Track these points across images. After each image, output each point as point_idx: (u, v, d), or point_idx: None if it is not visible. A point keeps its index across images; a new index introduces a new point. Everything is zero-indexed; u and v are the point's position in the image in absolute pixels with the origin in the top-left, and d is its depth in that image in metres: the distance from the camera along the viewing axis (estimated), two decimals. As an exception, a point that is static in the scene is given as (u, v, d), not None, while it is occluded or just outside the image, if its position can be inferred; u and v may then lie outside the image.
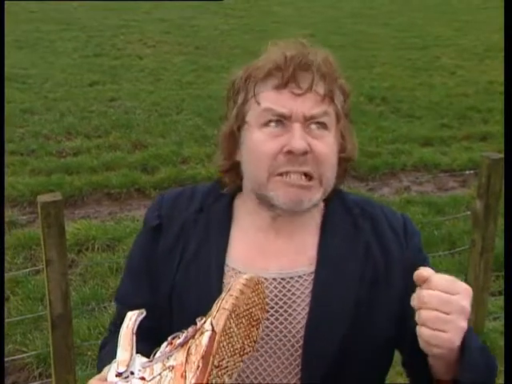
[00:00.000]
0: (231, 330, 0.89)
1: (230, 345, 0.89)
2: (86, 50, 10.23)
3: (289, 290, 1.06)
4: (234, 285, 0.92)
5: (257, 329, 0.93)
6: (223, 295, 0.92)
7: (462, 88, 8.68)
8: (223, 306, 0.89)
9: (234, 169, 1.10)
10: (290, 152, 1.00)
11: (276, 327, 1.04)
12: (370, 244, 1.07)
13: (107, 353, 1.06)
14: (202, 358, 0.86)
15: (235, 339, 0.90)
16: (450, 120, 7.26)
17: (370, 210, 1.13)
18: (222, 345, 0.87)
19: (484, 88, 8.59)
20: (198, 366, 0.86)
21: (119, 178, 5.11)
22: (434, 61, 10.53)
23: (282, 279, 1.06)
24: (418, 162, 5.86)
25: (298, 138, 0.99)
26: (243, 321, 0.91)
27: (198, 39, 11.61)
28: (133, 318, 0.95)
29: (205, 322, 0.90)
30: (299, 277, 1.06)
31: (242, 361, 0.91)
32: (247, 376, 1.04)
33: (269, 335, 1.04)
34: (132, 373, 0.90)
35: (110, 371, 0.91)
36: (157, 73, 9.03)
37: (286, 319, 1.04)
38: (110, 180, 5.06)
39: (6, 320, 3.13)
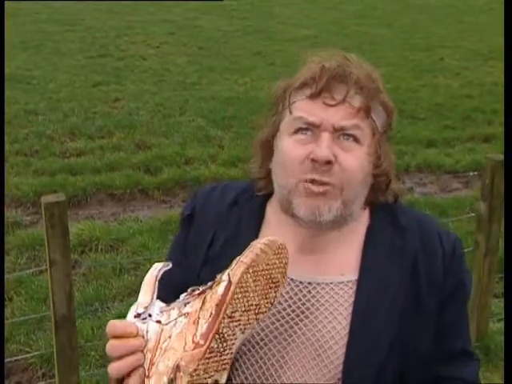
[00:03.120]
0: (247, 284, 0.91)
1: (245, 299, 0.91)
2: (90, 51, 10.25)
3: (314, 296, 1.05)
4: (256, 243, 0.94)
5: (275, 291, 0.94)
6: (244, 252, 0.94)
7: (466, 89, 8.67)
8: (242, 259, 0.92)
9: (268, 176, 1.11)
10: (314, 160, 1.00)
11: (300, 328, 1.03)
12: (418, 260, 1.06)
13: None
14: (216, 305, 0.88)
15: (251, 295, 0.91)
16: (453, 121, 7.25)
17: (422, 220, 1.12)
18: (236, 296, 0.89)
19: (488, 89, 8.58)
20: (211, 314, 0.88)
21: (123, 178, 5.11)
22: (438, 62, 10.52)
23: (308, 283, 1.05)
24: (421, 164, 5.86)
25: (323, 147, 1.00)
26: (261, 279, 0.92)
27: (201, 40, 11.62)
28: (158, 267, 0.98)
29: (223, 274, 0.92)
30: (327, 284, 1.05)
31: (256, 319, 0.93)
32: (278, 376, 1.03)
33: (292, 337, 1.03)
34: (150, 315, 0.93)
35: (130, 312, 0.94)
36: (160, 74, 9.04)
37: (312, 324, 1.03)
38: (114, 181, 5.06)
39: (10, 320, 3.14)
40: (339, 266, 1.06)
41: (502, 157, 3.00)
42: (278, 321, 1.03)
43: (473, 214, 3.80)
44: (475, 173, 4.97)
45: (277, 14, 15.04)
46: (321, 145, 1.00)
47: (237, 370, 1.03)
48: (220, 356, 0.89)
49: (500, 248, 3.12)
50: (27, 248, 3.99)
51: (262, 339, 1.03)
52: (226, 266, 1.02)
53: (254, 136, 1.16)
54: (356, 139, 1.03)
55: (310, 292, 1.05)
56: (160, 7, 14.67)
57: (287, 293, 1.05)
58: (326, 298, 1.04)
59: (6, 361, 2.79)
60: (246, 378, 1.03)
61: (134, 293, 3.53)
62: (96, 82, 8.27)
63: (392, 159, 1.10)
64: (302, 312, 1.04)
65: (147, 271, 0.98)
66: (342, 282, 1.05)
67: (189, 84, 8.51)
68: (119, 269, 3.79)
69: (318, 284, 1.05)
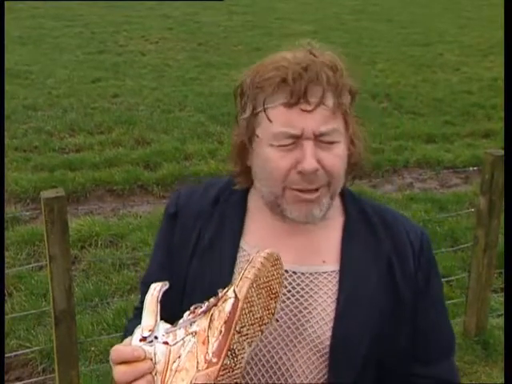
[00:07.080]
0: (252, 298, 0.93)
1: (251, 313, 0.93)
2: (89, 47, 10.23)
3: (299, 284, 1.08)
4: (256, 257, 0.96)
5: (275, 302, 0.97)
6: (245, 267, 0.96)
7: (465, 85, 8.66)
8: (246, 275, 0.94)
9: (246, 172, 1.12)
10: (301, 172, 1.01)
11: (286, 314, 1.07)
12: (392, 260, 1.10)
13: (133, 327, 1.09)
14: (225, 323, 0.90)
15: (256, 308, 0.94)
16: (453, 117, 7.24)
17: (390, 219, 1.15)
18: (243, 312, 0.92)
19: (488, 85, 8.57)
20: (221, 331, 0.90)
21: (122, 174, 5.11)
22: (438, 57, 10.50)
23: (293, 272, 1.08)
24: (420, 159, 5.86)
25: (308, 159, 1.00)
26: (263, 292, 0.95)
27: (201, 36, 11.60)
28: (157, 288, 0.99)
29: (227, 291, 0.94)
30: (311, 274, 1.09)
31: (260, 331, 0.95)
32: (269, 361, 1.06)
33: (282, 325, 1.06)
34: (156, 337, 0.93)
35: (134, 336, 0.94)
36: (160, 69, 9.02)
37: (297, 309, 1.07)
38: (113, 176, 5.06)
39: (10, 315, 3.14)
40: (320, 253, 1.10)
41: (501, 152, 3.00)
42: None
43: (472, 210, 3.81)
44: (475, 168, 4.95)
45: (276, 10, 15.01)
46: (306, 156, 1.00)
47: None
48: (232, 371, 0.91)
49: (499, 243, 3.13)
50: (27, 243, 3.99)
51: None
52: (214, 260, 1.04)
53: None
54: (335, 139, 1.04)
55: (294, 280, 1.08)
56: (159, 2, 14.64)
57: None
58: (310, 286, 1.08)
59: (6, 356, 2.79)
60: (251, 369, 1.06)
61: (133, 288, 3.53)
62: (95, 78, 8.26)
63: (362, 141, 1.10)
64: (288, 298, 1.07)
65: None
66: (326, 272, 1.09)
67: (188, 79, 8.49)
68: (119, 264, 3.79)
69: (303, 274, 1.09)
